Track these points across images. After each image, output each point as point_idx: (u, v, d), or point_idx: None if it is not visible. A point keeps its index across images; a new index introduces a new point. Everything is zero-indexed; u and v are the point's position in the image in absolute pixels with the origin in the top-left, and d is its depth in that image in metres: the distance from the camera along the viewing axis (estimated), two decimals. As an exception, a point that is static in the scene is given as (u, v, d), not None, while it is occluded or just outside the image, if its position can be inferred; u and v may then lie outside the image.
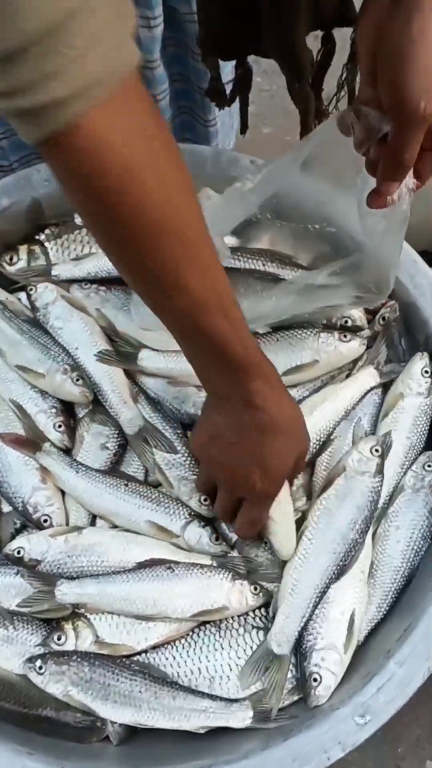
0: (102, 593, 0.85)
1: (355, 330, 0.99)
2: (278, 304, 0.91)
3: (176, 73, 1.16)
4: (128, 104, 0.55)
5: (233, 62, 1.02)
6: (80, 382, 0.94)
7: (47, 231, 1.05)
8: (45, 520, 0.90)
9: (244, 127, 1.10)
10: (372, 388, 0.98)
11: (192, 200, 0.62)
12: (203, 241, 0.64)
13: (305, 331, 0.97)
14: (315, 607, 0.85)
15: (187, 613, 0.85)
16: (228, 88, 1.05)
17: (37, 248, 1.03)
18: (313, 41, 0.90)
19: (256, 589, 0.86)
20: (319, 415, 0.94)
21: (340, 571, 0.85)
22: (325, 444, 0.95)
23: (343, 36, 0.91)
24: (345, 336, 0.96)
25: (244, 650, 0.85)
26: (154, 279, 0.63)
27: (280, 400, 0.77)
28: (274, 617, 0.85)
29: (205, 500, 0.89)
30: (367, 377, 0.98)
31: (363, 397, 0.97)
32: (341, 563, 0.85)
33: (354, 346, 0.97)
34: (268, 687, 0.82)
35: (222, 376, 0.73)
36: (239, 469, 0.78)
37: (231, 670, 0.84)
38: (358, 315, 0.99)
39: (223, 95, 1.03)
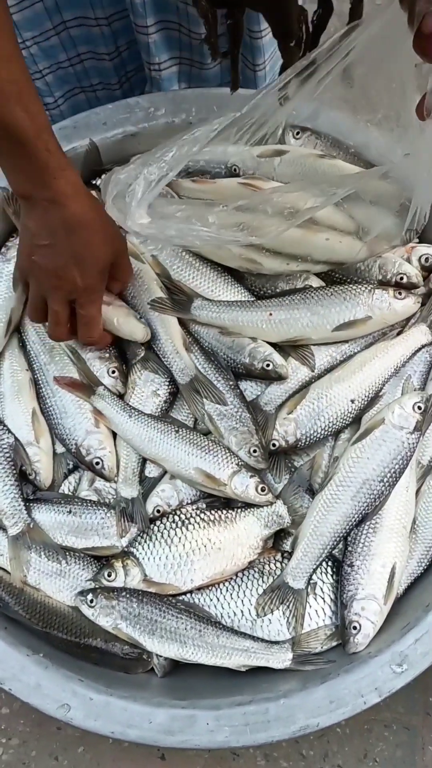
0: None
1: (410, 287, 0.97)
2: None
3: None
4: None
5: None
6: (115, 374, 0.96)
7: (104, 176, 1.05)
8: (97, 463, 0.93)
9: (234, 85, 1.05)
10: (423, 346, 0.97)
11: None
12: (2, 33, 0.66)
13: (359, 286, 0.96)
14: (332, 549, 0.88)
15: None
16: None
17: (94, 193, 1.03)
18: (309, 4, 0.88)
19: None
20: (368, 371, 0.95)
21: (362, 519, 0.88)
22: (373, 400, 0.95)
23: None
24: (400, 293, 0.95)
25: (286, 596, 0.88)
26: None
27: (83, 200, 0.79)
28: (292, 553, 0.88)
29: (254, 451, 0.90)
30: (419, 335, 0.97)
31: (414, 354, 0.97)
32: (364, 512, 0.88)
33: (408, 304, 0.96)
34: (290, 617, 0.86)
35: (25, 173, 0.75)
36: (58, 271, 0.81)
37: (272, 613, 0.87)
38: (413, 272, 0.98)
39: (214, 47, 1.00)
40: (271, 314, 0.95)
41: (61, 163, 0.75)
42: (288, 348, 0.96)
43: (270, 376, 0.94)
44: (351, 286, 0.96)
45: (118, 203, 0.81)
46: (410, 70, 0.73)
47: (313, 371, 0.95)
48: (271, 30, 0.89)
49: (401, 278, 0.97)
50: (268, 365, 0.93)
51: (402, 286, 0.97)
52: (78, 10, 1.05)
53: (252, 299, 0.98)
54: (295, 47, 0.89)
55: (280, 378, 0.94)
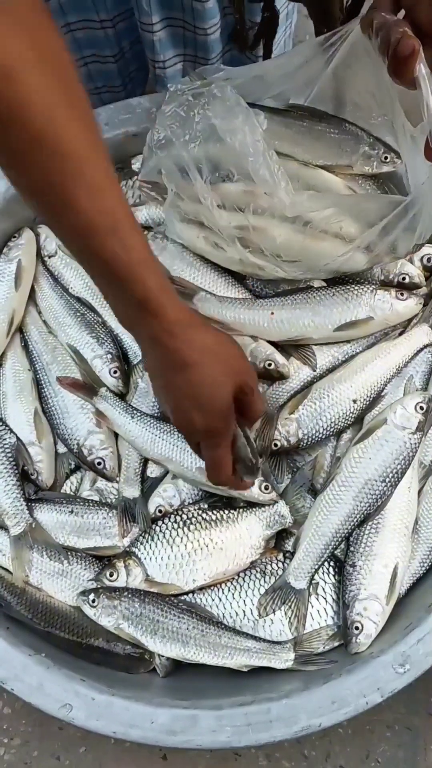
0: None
1: (412, 287, 0.97)
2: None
3: (228, 6, 1.13)
4: (17, 12, 0.53)
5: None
6: (117, 374, 0.95)
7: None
8: (99, 463, 0.93)
9: None
10: (425, 346, 0.97)
11: (83, 116, 0.59)
12: (94, 160, 0.59)
13: (362, 287, 0.96)
14: (334, 549, 0.88)
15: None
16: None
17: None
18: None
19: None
20: (370, 371, 0.95)
21: (364, 519, 0.88)
22: (375, 400, 0.95)
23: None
24: (402, 294, 0.95)
25: (288, 596, 0.88)
26: (40, 195, 0.60)
27: (191, 334, 0.71)
28: (294, 553, 0.88)
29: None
30: (421, 335, 0.97)
31: (416, 354, 0.97)
32: (366, 512, 0.88)
33: (410, 305, 0.96)
34: (292, 617, 0.86)
35: (124, 309, 0.70)
36: (180, 412, 0.75)
37: (274, 613, 0.87)
38: (416, 272, 0.98)
39: (244, 39, 0.99)
40: (272, 313, 0.95)
41: (161, 299, 0.67)
42: (289, 348, 0.96)
43: (272, 376, 0.94)
44: (353, 286, 0.96)
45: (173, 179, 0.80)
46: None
47: (314, 371, 0.95)
48: (313, 18, 0.88)
49: (403, 278, 0.97)
50: (269, 365, 0.93)
51: (404, 287, 0.97)
52: (82, 12, 1.05)
53: (254, 298, 0.98)
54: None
55: (281, 377, 0.94)
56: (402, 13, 0.70)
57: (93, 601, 0.86)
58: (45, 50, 0.55)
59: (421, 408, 0.89)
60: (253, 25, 1.05)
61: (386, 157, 0.93)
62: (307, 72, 0.86)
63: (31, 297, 1.03)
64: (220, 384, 0.73)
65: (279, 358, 0.94)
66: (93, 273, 0.67)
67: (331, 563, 0.90)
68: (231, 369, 0.74)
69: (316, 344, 0.96)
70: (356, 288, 0.96)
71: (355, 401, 0.93)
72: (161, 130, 0.89)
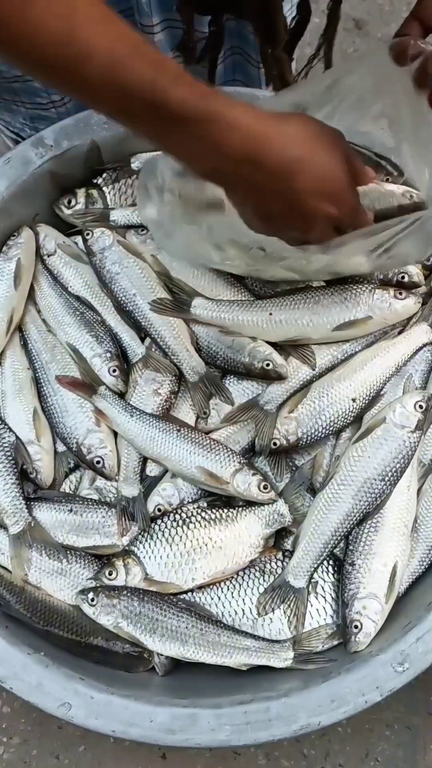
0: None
1: (411, 286, 0.97)
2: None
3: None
4: None
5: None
6: (116, 373, 0.95)
7: (104, 175, 1.05)
8: (98, 462, 0.93)
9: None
10: (425, 345, 0.97)
11: None
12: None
13: (360, 286, 0.96)
14: (333, 548, 0.88)
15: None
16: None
17: (94, 192, 1.04)
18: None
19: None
20: (369, 370, 0.95)
21: (363, 517, 0.88)
22: (374, 399, 0.95)
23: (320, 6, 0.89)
24: (400, 293, 0.95)
25: (287, 595, 0.88)
26: (59, 55, 0.56)
27: (274, 126, 0.63)
28: (293, 552, 0.88)
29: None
30: (421, 333, 0.97)
31: (415, 353, 0.97)
32: (365, 510, 0.88)
33: (409, 304, 0.96)
34: (291, 616, 0.86)
35: (197, 141, 0.60)
36: (311, 216, 0.67)
37: (273, 612, 0.86)
38: (415, 271, 0.98)
39: (191, 52, 0.97)
40: (271, 314, 0.95)
41: (223, 104, 0.59)
42: (288, 347, 0.96)
43: (270, 376, 0.94)
44: (351, 285, 0.96)
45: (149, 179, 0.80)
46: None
47: (314, 370, 0.95)
48: (258, 38, 0.88)
49: (402, 277, 0.97)
50: (268, 365, 0.93)
51: (403, 286, 0.97)
52: None
53: (252, 299, 0.98)
54: (282, 53, 0.89)
55: (279, 378, 0.94)
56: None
57: (92, 599, 0.86)
58: None
59: (421, 407, 0.89)
60: (202, 37, 1.04)
61: (387, 179, 0.92)
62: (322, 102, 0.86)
63: (30, 296, 1.02)
64: (335, 161, 0.67)
65: (277, 358, 0.94)
66: (142, 119, 0.60)
67: (331, 562, 0.90)
68: (333, 139, 0.68)
69: (315, 344, 0.96)
70: (355, 287, 0.96)
71: (354, 400, 0.93)
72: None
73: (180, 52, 0.99)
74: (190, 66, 1.02)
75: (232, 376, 0.97)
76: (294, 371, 0.95)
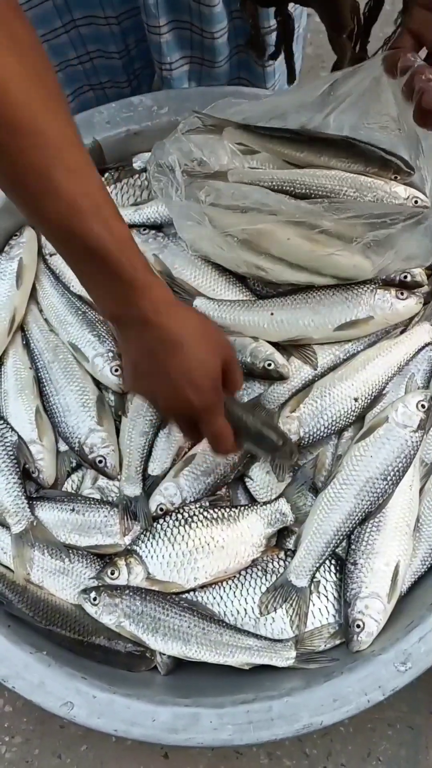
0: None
1: (414, 286, 0.97)
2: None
3: (236, 10, 1.13)
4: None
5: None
6: (118, 372, 0.95)
7: (107, 175, 1.06)
8: (100, 461, 0.93)
9: (291, 77, 1.06)
10: (427, 344, 0.97)
11: (59, 106, 0.61)
12: (71, 146, 0.62)
13: (362, 286, 0.96)
14: (335, 547, 0.88)
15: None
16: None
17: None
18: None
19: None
20: (371, 369, 0.95)
21: (366, 517, 0.88)
22: (376, 398, 0.95)
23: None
24: (402, 293, 0.95)
25: (289, 594, 0.88)
26: (22, 183, 0.62)
27: (177, 313, 0.73)
28: (295, 551, 0.88)
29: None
30: (423, 333, 0.97)
31: (417, 352, 0.97)
32: (367, 510, 0.87)
33: (410, 304, 0.95)
34: (293, 615, 0.86)
35: (111, 293, 0.70)
36: (171, 394, 0.76)
37: (276, 611, 0.86)
38: (417, 270, 0.97)
39: (262, 47, 0.99)
40: (272, 314, 0.95)
41: (148, 279, 0.70)
42: (290, 347, 0.96)
43: (271, 376, 0.94)
44: (353, 285, 0.96)
45: (161, 175, 0.82)
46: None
47: (315, 370, 0.95)
48: (324, 23, 0.89)
49: (405, 277, 0.97)
50: (269, 365, 0.93)
51: (406, 285, 0.97)
52: (88, 8, 1.05)
53: (254, 299, 0.98)
54: (347, 39, 0.90)
55: (281, 378, 0.94)
56: (424, 52, 0.74)
57: (94, 599, 0.86)
58: (19, 41, 0.58)
59: (423, 406, 0.89)
60: (267, 30, 1.04)
61: (396, 177, 0.92)
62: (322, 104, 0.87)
63: (33, 295, 1.03)
64: (210, 360, 0.76)
65: (279, 358, 0.94)
66: (76, 258, 0.68)
67: (333, 561, 0.90)
68: (217, 344, 0.78)
69: (316, 344, 0.96)
70: (356, 288, 0.96)
71: (356, 399, 0.93)
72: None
73: (251, 49, 0.99)
74: (263, 60, 1.02)
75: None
76: (296, 371, 0.95)
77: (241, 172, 0.92)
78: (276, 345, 0.96)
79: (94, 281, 0.71)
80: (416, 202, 0.94)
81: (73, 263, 0.70)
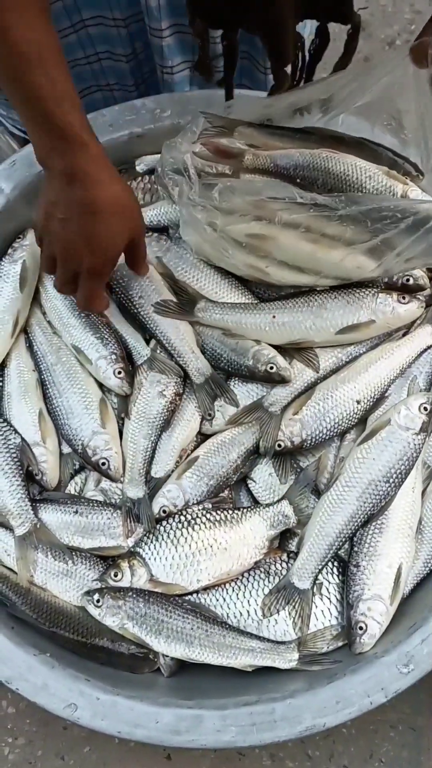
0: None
1: (416, 289, 0.97)
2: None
3: None
4: None
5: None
6: (121, 375, 0.96)
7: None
8: (103, 463, 0.93)
9: (228, 98, 1.06)
10: (429, 347, 0.97)
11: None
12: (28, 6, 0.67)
13: (363, 290, 0.96)
14: (338, 549, 0.88)
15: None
16: None
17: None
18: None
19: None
20: (374, 372, 0.95)
21: (368, 519, 0.88)
22: (378, 401, 0.95)
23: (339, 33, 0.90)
24: (404, 298, 0.95)
25: (292, 596, 0.88)
26: None
27: (103, 180, 0.76)
28: (297, 554, 0.88)
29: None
30: (425, 335, 0.98)
31: (420, 355, 0.97)
32: (370, 512, 0.88)
33: (412, 308, 0.95)
34: (296, 617, 0.86)
35: (44, 141, 0.74)
36: (70, 245, 0.80)
37: (278, 613, 0.87)
38: (420, 273, 0.98)
39: (209, 69, 1.00)
40: (274, 317, 0.95)
41: (84, 138, 0.73)
42: (292, 350, 0.96)
43: (273, 379, 0.94)
44: (355, 289, 0.96)
45: (174, 174, 0.83)
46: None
47: (317, 373, 0.96)
48: (267, 52, 0.89)
49: (408, 280, 0.97)
50: (271, 368, 0.93)
51: (408, 288, 0.97)
52: (97, 9, 1.05)
53: (256, 302, 0.99)
54: (287, 75, 0.90)
55: (283, 381, 0.94)
56: None
57: (98, 601, 0.86)
58: None
59: (425, 409, 0.90)
60: (217, 55, 1.04)
61: (406, 180, 0.93)
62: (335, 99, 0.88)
63: (36, 298, 1.03)
64: (118, 234, 0.80)
65: (281, 361, 0.94)
66: (17, 103, 0.73)
67: (335, 563, 0.90)
68: (130, 220, 0.82)
69: (318, 347, 0.96)
70: (358, 291, 0.96)
71: (358, 402, 0.94)
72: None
73: (198, 70, 1.00)
74: (210, 82, 1.04)
75: (236, 379, 0.97)
76: (298, 373, 0.95)
77: (256, 153, 0.93)
78: (278, 348, 0.96)
79: (31, 126, 0.74)
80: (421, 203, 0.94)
81: (15, 105, 0.74)
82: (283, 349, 0.96)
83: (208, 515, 0.91)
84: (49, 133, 0.72)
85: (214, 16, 0.90)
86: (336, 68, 0.91)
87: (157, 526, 0.90)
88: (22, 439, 0.94)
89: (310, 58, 0.92)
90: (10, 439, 0.94)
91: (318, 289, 0.97)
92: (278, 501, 0.91)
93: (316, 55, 0.92)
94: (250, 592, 0.88)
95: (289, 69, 0.90)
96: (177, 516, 0.91)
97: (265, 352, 0.94)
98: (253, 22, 0.86)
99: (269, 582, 0.89)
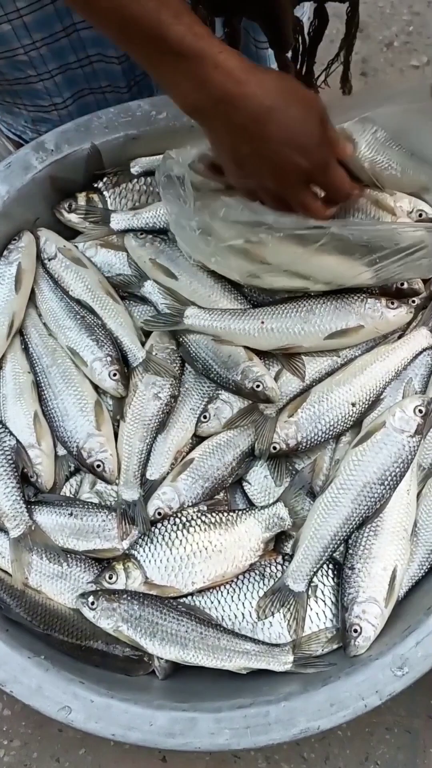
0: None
1: (411, 293, 0.97)
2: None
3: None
4: None
5: None
6: (116, 377, 0.95)
7: (105, 179, 1.06)
8: (98, 465, 0.93)
9: None
10: (424, 349, 0.97)
11: None
12: None
13: (352, 295, 0.95)
14: (333, 551, 0.88)
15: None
16: None
17: (95, 196, 1.04)
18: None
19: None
20: (369, 374, 0.95)
21: (363, 521, 0.88)
22: (373, 403, 0.95)
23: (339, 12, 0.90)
24: (392, 303, 0.94)
25: (287, 599, 0.88)
26: None
27: (256, 77, 0.68)
28: (292, 556, 0.88)
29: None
30: (420, 338, 0.97)
31: (415, 357, 0.97)
32: (365, 514, 0.88)
33: (401, 314, 0.95)
34: (290, 620, 0.86)
35: (185, 76, 0.66)
36: (280, 166, 0.71)
37: (273, 615, 0.87)
38: (414, 276, 0.98)
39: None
40: (263, 322, 0.95)
41: (216, 48, 0.65)
42: (281, 357, 0.96)
43: (258, 397, 0.93)
44: (344, 294, 0.96)
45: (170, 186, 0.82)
46: None
47: (303, 382, 0.95)
48: (268, 40, 0.89)
49: (402, 284, 0.97)
50: (258, 386, 0.93)
51: (403, 293, 0.97)
52: None
53: (246, 307, 0.98)
54: (288, 58, 0.90)
55: (267, 401, 0.93)
56: None
57: (92, 603, 0.86)
58: None
59: (420, 411, 0.90)
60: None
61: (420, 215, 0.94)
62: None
63: (32, 300, 1.03)
64: (308, 117, 0.71)
65: (269, 380, 0.93)
66: (140, 47, 0.67)
67: (330, 566, 0.90)
68: (308, 99, 0.72)
69: (307, 353, 0.96)
70: (347, 296, 0.95)
71: (353, 404, 0.94)
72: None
73: None
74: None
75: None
76: (292, 376, 0.95)
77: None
78: (267, 353, 0.96)
79: (166, 71, 0.67)
80: (421, 215, 0.94)
81: (139, 55, 0.68)
82: (273, 355, 0.96)
83: (203, 517, 0.91)
84: (183, 63, 0.65)
85: (217, 3, 0.89)
86: (341, 47, 0.90)
87: (152, 528, 0.90)
88: (17, 441, 0.94)
89: (311, 40, 0.92)
90: (5, 441, 0.94)
91: (307, 294, 0.97)
92: (273, 503, 0.91)
93: (316, 36, 0.92)
94: (245, 595, 0.88)
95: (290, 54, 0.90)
96: (172, 518, 0.91)
97: (255, 369, 0.94)
98: (254, 8, 0.85)
99: (264, 584, 0.88)
